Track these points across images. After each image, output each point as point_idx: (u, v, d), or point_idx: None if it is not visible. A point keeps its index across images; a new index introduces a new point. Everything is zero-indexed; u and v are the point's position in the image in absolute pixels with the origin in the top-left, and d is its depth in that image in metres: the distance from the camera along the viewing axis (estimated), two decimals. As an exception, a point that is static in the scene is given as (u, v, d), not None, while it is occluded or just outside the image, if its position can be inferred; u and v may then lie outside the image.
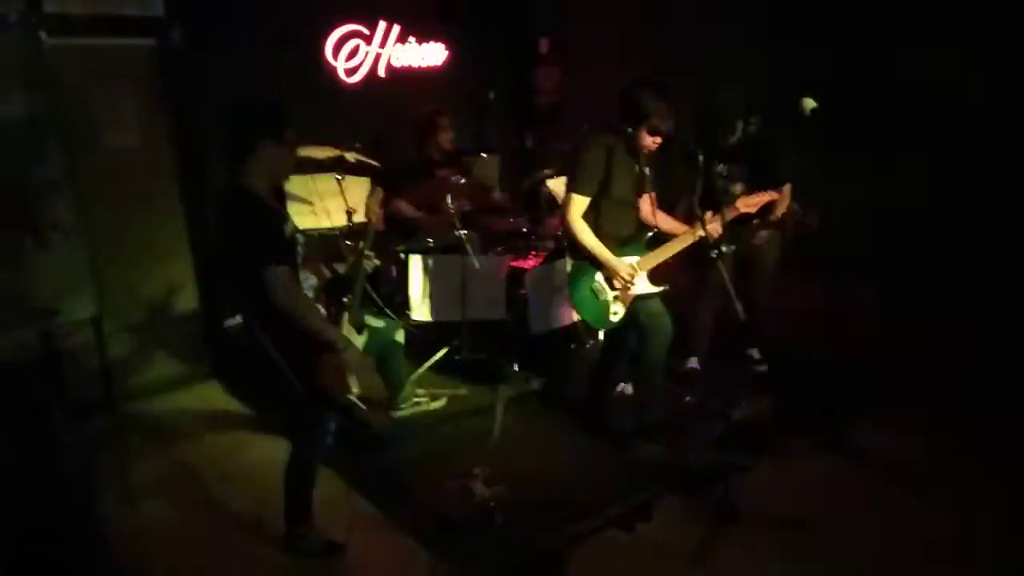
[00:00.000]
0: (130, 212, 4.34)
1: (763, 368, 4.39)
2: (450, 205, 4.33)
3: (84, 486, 3.16)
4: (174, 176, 4.50)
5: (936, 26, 4.48)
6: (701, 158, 3.50)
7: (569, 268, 3.53)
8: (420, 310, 4.36)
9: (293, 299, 2.57)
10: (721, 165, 3.95)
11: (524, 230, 4.90)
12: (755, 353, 4.44)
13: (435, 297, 4.35)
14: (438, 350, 4.47)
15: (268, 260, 2.51)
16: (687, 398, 4.11)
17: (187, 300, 4.64)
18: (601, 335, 4.08)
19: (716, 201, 3.63)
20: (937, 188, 4.53)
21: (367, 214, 3.40)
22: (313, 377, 2.66)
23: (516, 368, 4.37)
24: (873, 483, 3.39)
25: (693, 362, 4.31)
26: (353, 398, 2.83)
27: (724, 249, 3.37)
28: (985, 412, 3.88)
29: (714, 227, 3.40)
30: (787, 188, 3.97)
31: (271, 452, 3.45)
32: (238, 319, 4.47)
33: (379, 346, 3.61)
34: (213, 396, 4.45)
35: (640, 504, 3.20)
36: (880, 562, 2.88)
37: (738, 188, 3.92)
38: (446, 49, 5.87)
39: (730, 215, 3.44)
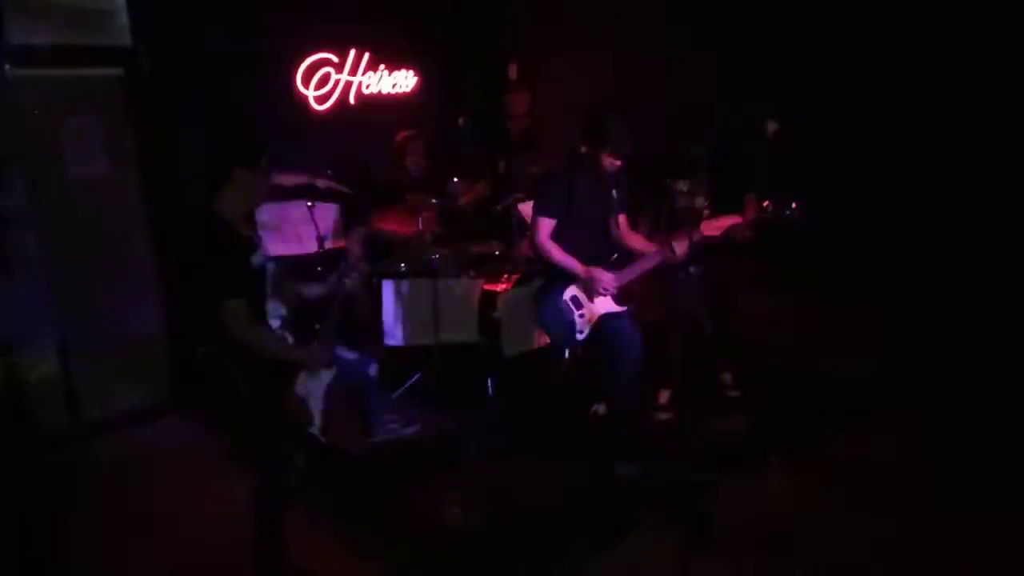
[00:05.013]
0: (98, 241, 4.30)
1: (735, 393, 4.36)
2: (421, 229, 4.34)
3: (47, 523, 3.10)
4: (143, 205, 4.47)
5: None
6: (668, 182, 3.56)
7: (538, 287, 3.57)
8: (393, 335, 4.35)
9: (248, 332, 2.57)
10: (681, 182, 3.95)
11: (497, 253, 4.92)
12: (727, 378, 4.40)
13: (408, 322, 4.34)
14: (412, 375, 4.45)
15: (225, 294, 2.51)
16: (661, 417, 4.12)
17: (156, 328, 4.59)
18: (567, 354, 4.09)
19: (679, 220, 3.67)
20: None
21: (348, 253, 3.36)
22: (277, 409, 2.65)
23: (490, 391, 4.37)
24: (849, 495, 3.41)
25: (664, 396, 4.25)
26: (317, 430, 2.80)
27: (691, 269, 3.42)
28: (958, 418, 3.93)
29: (681, 247, 3.44)
30: (751, 198, 3.93)
31: (241, 485, 3.38)
32: (208, 348, 4.41)
33: (351, 378, 3.59)
34: (182, 427, 4.38)
35: (616, 523, 3.20)
36: (853, 574, 2.89)
37: (700, 202, 3.92)
38: (416, 75, 5.92)
39: (696, 238, 3.48)
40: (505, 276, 4.70)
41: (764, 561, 2.97)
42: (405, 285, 4.32)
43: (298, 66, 5.23)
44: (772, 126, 4.19)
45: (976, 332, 4.40)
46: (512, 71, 6.27)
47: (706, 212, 3.88)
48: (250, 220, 2.76)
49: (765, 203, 3.55)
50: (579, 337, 3.51)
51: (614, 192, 3.49)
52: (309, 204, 4.37)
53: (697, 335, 4.16)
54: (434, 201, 4.53)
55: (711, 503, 3.27)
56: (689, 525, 3.15)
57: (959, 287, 4.40)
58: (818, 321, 4.80)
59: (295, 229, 4.48)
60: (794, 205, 3.47)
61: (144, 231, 4.50)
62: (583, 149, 3.40)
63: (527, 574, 2.92)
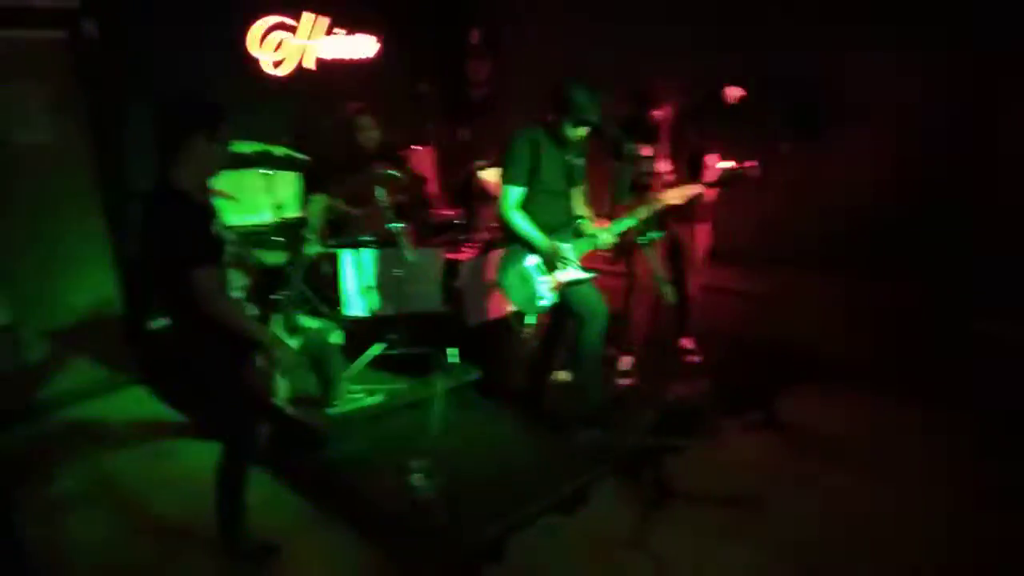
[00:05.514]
0: (45, 212, 4.15)
1: (697, 359, 4.44)
2: (381, 198, 4.28)
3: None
4: (91, 174, 4.32)
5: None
6: (629, 145, 3.57)
7: (502, 254, 3.56)
8: (355, 305, 4.31)
9: (220, 301, 2.51)
10: (645, 147, 3.94)
11: (458, 222, 4.89)
12: (688, 343, 4.50)
13: (369, 292, 4.29)
14: (374, 345, 4.42)
15: (195, 262, 2.44)
16: (623, 383, 4.17)
17: (109, 302, 4.47)
18: (532, 320, 4.10)
19: (641, 184, 3.69)
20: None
21: (311, 222, 3.30)
22: (239, 381, 2.61)
23: (454, 360, 4.36)
24: (802, 458, 3.50)
25: (626, 362, 4.31)
26: (281, 402, 2.78)
27: (651, 235, 3.45)
28: (910, 387, 4.06)
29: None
30: (714, 158, 3.99)
31: (200, 458, 3.34)
32: (163, 321, 4.33)
33: (314, 347, 3.56)
34: (138, 402, 4.29)
35: (579, 489, 3.24)
36: (812, 533, 2.98)
37: (662, 166, 3.95)
38: (377, 41, 5.80)
39: (657, 206, 3.51)
40: (468, 244, 4.68)
41: (724, 522, 3.04)
42: (366, 254, 4.27)
43: (251, 29, 5.08)
44: (734, 92, 4.20)
45: (942, 309, 4.53)
46: (474, 37, 6.18)
47: (670, 177, 3.92)
48: (205, 188, 2.68)
49: (726, 163, 3.60)
50: (543, 303, 3.53)
51: (578, 161, 3.49)
52: (266, 172, 4.27)
53: (659, 302, 4.20)
54: (394, 171, 4.45)
55: (669, 466, 3.33)
56: (650, 489, 3.21)
57: (933, 263, 4.52)
58: (787, 291, 4.88)
59: (252, 198, 4.38)
60: (747, 164, 3.53)
61: (94, 202, 4.35)
62: (549, 118, 3.38)
63: (491, 541, 2.95)
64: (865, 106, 4.85)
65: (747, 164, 3.58)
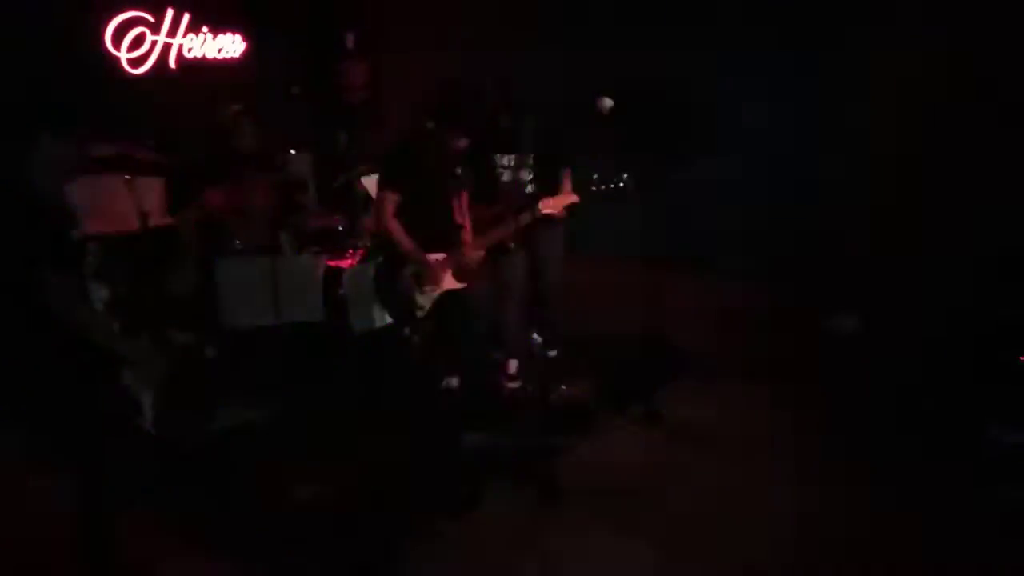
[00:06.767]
0: None
1: (552, 353, 4.47)
2: (257, 205, 4.13)
3: None
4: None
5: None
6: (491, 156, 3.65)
7: (376, 264, 3.53)
8: (231, 316, 4.11)
9: (77, 310, 2.33)
10: (505, 156, 4.00)
11: (340, 228, 4.78)
12: (537, 338, 4.52)
13: (246, 302, 4.11)
14: (253, 357, 4.24)
15: (48, 268, 2.25)
16: (508, 385, 4.23)
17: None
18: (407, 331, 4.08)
19: (502, 193, 3.76)
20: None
21: (183, 231, 3.11)
22: (97, 401, 2.43)
23: (339, 370, 4.27)
24: (684, 451, 3.67)
25: (512, 366, 4.34)
26: (145, 423, 2.60)
27: (512, 246, 3.53)
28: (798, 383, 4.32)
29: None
30: (567, 173, 4.08)
31: (58, 486, 3.07)
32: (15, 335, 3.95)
33: (188, 363, 3.37)
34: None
35: (469, 492, 3.25)
36: (696, 521, 3.12)
37: (524, 175, 4.00)
38: (243, 41, 5.58)
39: (533, 216, 3.59)
40: (350, 251, 4.59)
41: (604, 514, 3.14)
42: (242, 263, 4.09)
43: (107, 24, 4.75)
44: (606, 103, 4.36)
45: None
46: (349, 40, 6.07)
47: (529, 186, 4.00)
48: (58, 190, 2.48)
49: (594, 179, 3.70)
50: (419, 315, 3.52)
51: (458, 170, 3.51)
52: (128, 177, 3.99)
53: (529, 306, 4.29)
54: (269, 176, 4.30)
55: (557, 464, 3.42)
56: (539, 489, 3.27)
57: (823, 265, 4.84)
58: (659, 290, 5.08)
59: (113, 205, 4.07)
60: (625, 176, 3.65)
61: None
62: (430, 125, 3.38)
63: (377, 548, 2.91)
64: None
65: (624, 177, 3.69)
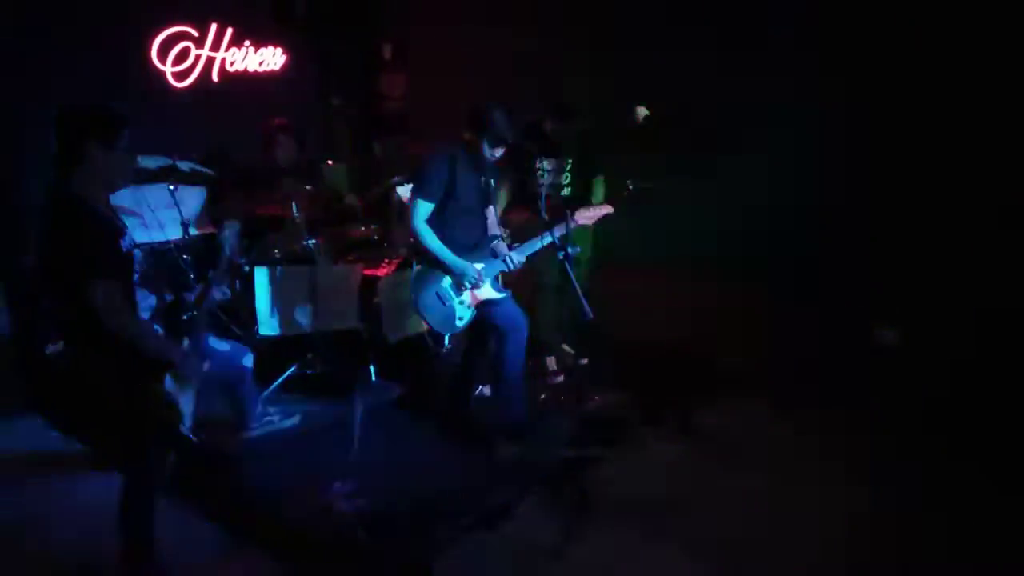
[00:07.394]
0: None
1: (584, 361, 4.51)
2: (295, 214, 4.19)
3: None
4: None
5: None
6: (534, 159, 3.69)
7: (414, 273, 3.55)
8: (268, 324, 4.18)
9: (124, 316, 2.39)
10: (547, 160, 4.12)
11: (376, 238, 4.83)
12: (568, 348, 4.56)
13: (284, 310, 4.18)
14: (290, 365, 4.30)
15: (97, 274, 2.32)
16: (543, 396, 4.22)
17: (-2, 327, 4.16)
18: (448, 339, 4.12)
19: (539, 195, 3.78)
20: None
21: (220, 257, 3.16)
22: (141, 405, 2.49)
23: (373, 377, 4.30)
24: (719, 465, 3.61)
25: (552, 362, 4.39)
26: (185, 429, 2.64)
27: (570, 251, 3.52)
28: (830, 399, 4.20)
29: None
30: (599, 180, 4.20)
31: (101, 491, 3.14)
32: (61, 345, 4.06)
33: (225, 371, 3.43)
34: (31, 432, 4.00)
35: (503, 503, 3.25)
36: (731, 535, 3.06)
37: (561, 180, 4.12)
38: (284, 54, 5.68)
39: (571, 223, 3.58)
40: (386, 260, 4.64)
41: (646, 525, 3.10)
42: (280, 272, 4.16)
43: (153, 39, 4.88)
44: (641, 111, 4.36)
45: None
46: (387, 52, 6.15)
47: (565, 190, 4.13)
48: (107, 200, 2.55)
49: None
50: (459, 324, 3.53)
51: (492, 181, 3.54)
52: (171, 187, 4.10)
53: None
54: (308, 187, 4.37)
55: (590, 476, 3.40)
56: (572, 499, 3.25)
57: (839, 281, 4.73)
58: (700, 305, 5.01)
59: (156, 214, 4.19)
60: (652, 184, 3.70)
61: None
62: (465, 136, 3.42)
63: (417, 561, 2.91)
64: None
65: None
